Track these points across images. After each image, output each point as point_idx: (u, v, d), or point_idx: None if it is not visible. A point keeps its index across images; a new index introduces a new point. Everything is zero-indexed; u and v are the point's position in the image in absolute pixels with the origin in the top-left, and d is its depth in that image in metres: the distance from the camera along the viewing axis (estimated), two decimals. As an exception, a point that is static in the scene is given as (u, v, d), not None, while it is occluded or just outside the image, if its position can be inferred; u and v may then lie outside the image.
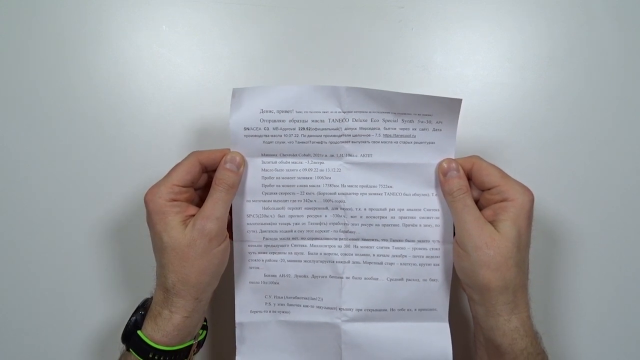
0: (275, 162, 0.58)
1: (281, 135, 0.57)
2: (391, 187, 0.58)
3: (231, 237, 0.60)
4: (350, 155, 0.58)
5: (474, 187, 0.57)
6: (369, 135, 0.57)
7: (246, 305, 0.61)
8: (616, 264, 0.68)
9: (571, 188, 0.67)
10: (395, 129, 0.57)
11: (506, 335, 0.53)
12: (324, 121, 0.57)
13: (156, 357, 0.54)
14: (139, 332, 0.55)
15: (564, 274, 0.68)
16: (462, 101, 0.54)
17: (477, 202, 0.57)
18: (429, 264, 0.59)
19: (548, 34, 0.67)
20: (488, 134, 0.67)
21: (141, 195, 0.56)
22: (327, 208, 0.59)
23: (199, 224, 0.54)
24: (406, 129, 0.57)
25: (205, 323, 0.61)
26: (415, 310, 0.59)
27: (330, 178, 0.58)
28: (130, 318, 0.57)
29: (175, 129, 0.68)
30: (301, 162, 0.58)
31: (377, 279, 0.60)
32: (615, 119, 0.67)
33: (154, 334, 0.54)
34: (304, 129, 0.57)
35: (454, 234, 0.57)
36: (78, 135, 0.68)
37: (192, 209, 0.56)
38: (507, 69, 0.68)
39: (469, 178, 0.57)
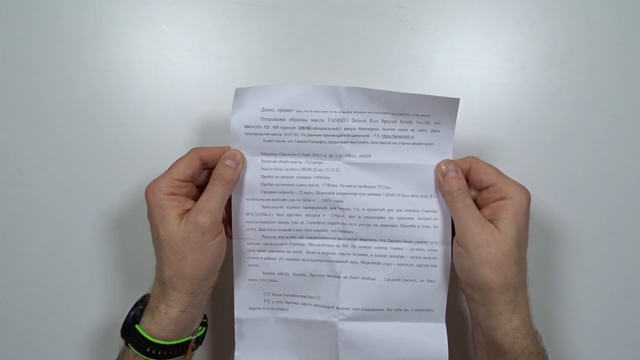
0: (275, 162, 0.58)
1: (281, 134, 0.57)
2: (389, 187, 0.58)
3: (230, 235, 0.60)
4: (349, 155, 0.58)
5: (471, 187, 0.58)
6: (368, 136, 0.57)
7: (245, 302, 0.62)
8: (614, 264, 0.68)
9: (570, 188, 0.67)
10: (394, 129, 0.57)
11: (508, 334, 0.53)
12: (323, 121, 0.57)
13: (154, 352, 0.54)
14: (137, 326, 0.55)
15: (563, 273, 0.68)
16: (460, 101, 0.55)
17: (474, 202, 0.57)
18: (426, 265, 0.59)
19: (548, 34, 0.67)
20: (488, 133, 0.67)
21: (141, 195, 0.56)
22: (325, 207, 0.59)
23: (192, 217, 0.54)
24: (404, 129, 0.57)
25: (205, 320, 0.61)
26: (412, 310, 0.60)
27: (329, 178, 0.59)
28: (129, 312, 0.57)
29: (175, 128, 0.68)
30: (300, 162, 0.58)
31: (374, 278, 0.60)
32: (614, 119, 0.67)
33: (151, 328, 0.55)
34: (303, 128, 0.57)
35: (452, 235, 0.58)
36: (78, 136, 0.68)
37: (190, 204, 0.56)
38: (507, 69, 0.68)
39: (467, 178, 0.57)
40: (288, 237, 0.60)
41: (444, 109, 0.56)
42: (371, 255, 0.59)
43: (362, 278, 0.60)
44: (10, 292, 0.69)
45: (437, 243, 0.59)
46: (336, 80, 0.67)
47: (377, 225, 0.59)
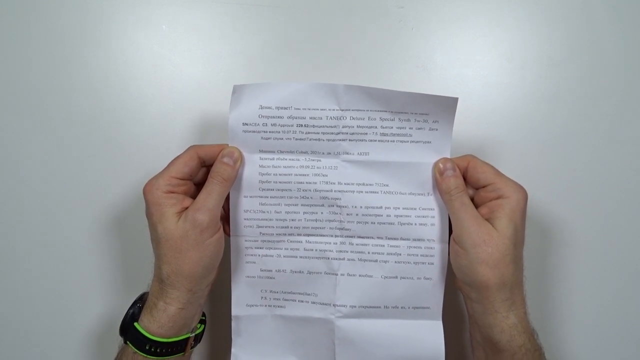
0: (273, 159, 0.58)
1: (279, 132, 0.57)
2: (387, 185, 0.58)
3: (228, 233, 0.60)
4: (347, 153, 0.58)
5: (468, 185, 0.58)
6: (366, 134, 0.57)
7: (242, 299, 0.62)
8: (612, 263, 0.68)
9: (570, 188, 0.67)
10: (392, 127, 0.57)
11: (504, 332, 0.53)
12: (321, 118, 0.57)
13: (152, 349, 0.55)
14: (135, 324, 0.55)
15: (560, 272, 0.68)
16: (458, 100, 0.55)
17: (471, 200, 0.57)
18: (423, 263, 0.59)
19: (548, 34, 0.67)
20: (487, 133, 0.67)
21: (140, 194, 0.56)
22: (323, 205, 0.59)
23: (190, 215, 0.54)
24: (403, 127, 0.57)
25: (203, 317, 0.62)
26: (409, 308, 0.60)
27: (327, 175, 0.59)
28: (128, 311, 0.58)
29: (175, 128, 0.68)
30: (298, 159, 0.58)
31: (371, 276, 0.60)
32: (614, 119, 0.67)
33: (149, 326, 0.55)
34: (301, 125, 0.57)
35: (450, 233, 0.58)
36: (78, 136, 0.68)
37: (189, 202, 0.57)
38: (507, 69, 0.68)
39: (464, 177, 0.57)
40: (286, 235, 0.60)
41: (443, 107, 0.56)
42: (368, 252, 0.59)
43: (360, 275, 0.60)
44: (8, 291, 0.70)
45: (434, 241, 0.58)
46: (336, 80, 0.66)
47: (374, 223, 0.59)
